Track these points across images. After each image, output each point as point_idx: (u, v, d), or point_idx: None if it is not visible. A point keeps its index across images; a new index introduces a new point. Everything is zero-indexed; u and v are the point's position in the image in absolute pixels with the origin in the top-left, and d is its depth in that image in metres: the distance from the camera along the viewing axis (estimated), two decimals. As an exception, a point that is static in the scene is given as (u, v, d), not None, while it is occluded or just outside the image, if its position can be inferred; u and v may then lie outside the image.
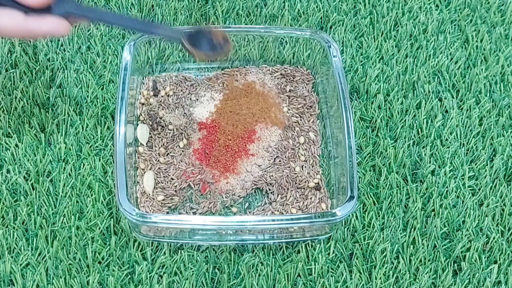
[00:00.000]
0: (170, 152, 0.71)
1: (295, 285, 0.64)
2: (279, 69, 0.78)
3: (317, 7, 0.83)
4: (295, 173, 0.70)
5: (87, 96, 0.74)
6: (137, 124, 0.72)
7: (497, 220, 0.68)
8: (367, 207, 0.69)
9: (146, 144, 0.72)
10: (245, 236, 0.66)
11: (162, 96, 0.75)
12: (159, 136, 0.72)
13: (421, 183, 0.71)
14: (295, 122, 0.74)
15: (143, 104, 0.75)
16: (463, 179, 0.71)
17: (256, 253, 0.66)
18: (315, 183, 0.70)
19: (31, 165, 0.69)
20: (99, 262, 0.64)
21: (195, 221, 0.62)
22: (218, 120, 0.73)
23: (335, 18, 0.82)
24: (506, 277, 0.65)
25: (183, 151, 0.71)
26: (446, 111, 0.76)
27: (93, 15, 0.56)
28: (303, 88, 0.77)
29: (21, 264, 0.63)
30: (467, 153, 0.73)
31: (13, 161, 0.69)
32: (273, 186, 0.69)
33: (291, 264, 0.65)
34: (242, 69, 0.78)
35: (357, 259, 0.65)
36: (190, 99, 0.75)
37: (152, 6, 0.82)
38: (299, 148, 0.72)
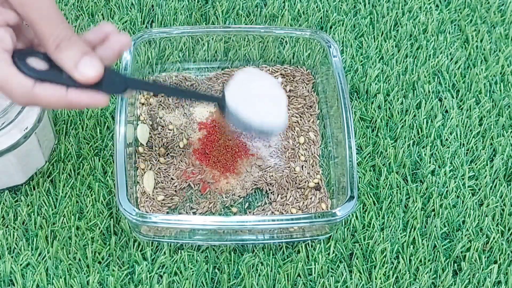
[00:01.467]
0: (170, 152, 0.71)
1: (295, 285, 0.64)
2: (279, 69, 0.78)
3: (317, 7, 0.83)
4: (295, 173, 0.70)
5: (87, 96, 0.74)
6: (137, 124, 0.72)
7: (497, 220, 0.68)
8: (367, 207, 0.69)
9: (146, 144, 0.72)
10: (245, 236, 0.66)
11: (162, 96, 0.75)
12: (159, 136, 0.72)
13: (421, 183, 0.71)
14: (295, 122, 0.74)
15: (143, 104, 0.75)
16: (463, 179, 0.71)
17: (256, 253, 0.66)
18: (315, 183, 0.70)
19: (31, 165, 0.69)
20: (99, 262, 0.64)
21: (195, 221, 0.62)
22: (218, 120, 0.73)
23: (335, 18, 0.82)
24: (506, 277, 0.65)
25: (183, 151, 0.71)
26: (446, 111, 0.76)
27: (138, 87, 0.55)
28: (303, 88, 0.77)
29: (21, 264, 0.63)
30: (467, 153, 0.73)
31: (13, 161, 0.69)
32: (273, 186, 0.69)
33: (291, 264, 0.65)
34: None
35: (357, 259, 0.65)
36: (190, 99, 0.75)
37: (152, 6, 0.82)
38: (299, 148, 0.72)
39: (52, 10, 0.46)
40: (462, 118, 0.75)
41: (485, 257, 0.66)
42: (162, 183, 0.69)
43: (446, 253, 0.66)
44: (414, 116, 0.75)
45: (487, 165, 0.72)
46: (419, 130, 0.74)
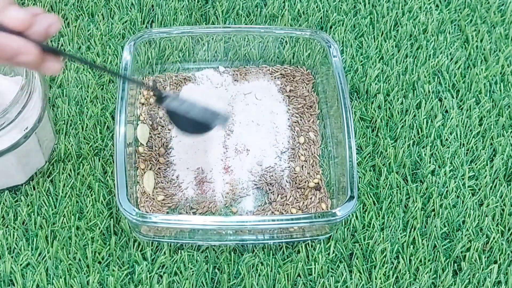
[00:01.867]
0: (170, 152, 0.71)
1: (295, 285, 0.64)
2: (279, 69, 0.78)
3: (317, 7, 0.83)
4: (295, 173, 0.70)
5: (87, 96, 0.74)
6: (137, 124, 0.72)
7: (497, 220, 0.68)
8: (367, 207, 0.69)
9: (146, 144, 0.72)
10: (245, 236, 0.66)
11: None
12: (159, 136, 0.72)
13: (421, 183, 0.71)
14: (295, 122, 0.74)
15: (143, 104, 0.75)
16: (463, 179, 0.71)
17: (256, 253, 0.66)
18: (315, 183, 0.70)
19: (31, 165, 0.69)
20: (99, 262, 0.64)
21: (195, 221, 0.62)
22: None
23: (335, 18, 0.82)
24: (506, 277, 0.65)
25: (183, 151, 0.71)
26: (446, 111, 0.76)
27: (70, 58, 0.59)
28: (303, 88, 0.77)
29: (21, 264, 0.63)
30: (467, 153, 0.73)
31: (13, 161, 0.69)
32: (273, 186, 0.69)
33: (291, 264, 0.65)
34: (242, 69, 0.78)
35: (357, 259, 0.65)
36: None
37: (152, 6, 0.82)
38: (299, 148, 0.72)
39: None
40: (462, 118, 0.75)
41: (485, 257, 0.66)
42: (162, 183, 0.69)
43: (446, 253, 0.66)
44: (414, 116, 0.75)
45: (487, 165, 0.72)
46: (419, 130, 0.74)
